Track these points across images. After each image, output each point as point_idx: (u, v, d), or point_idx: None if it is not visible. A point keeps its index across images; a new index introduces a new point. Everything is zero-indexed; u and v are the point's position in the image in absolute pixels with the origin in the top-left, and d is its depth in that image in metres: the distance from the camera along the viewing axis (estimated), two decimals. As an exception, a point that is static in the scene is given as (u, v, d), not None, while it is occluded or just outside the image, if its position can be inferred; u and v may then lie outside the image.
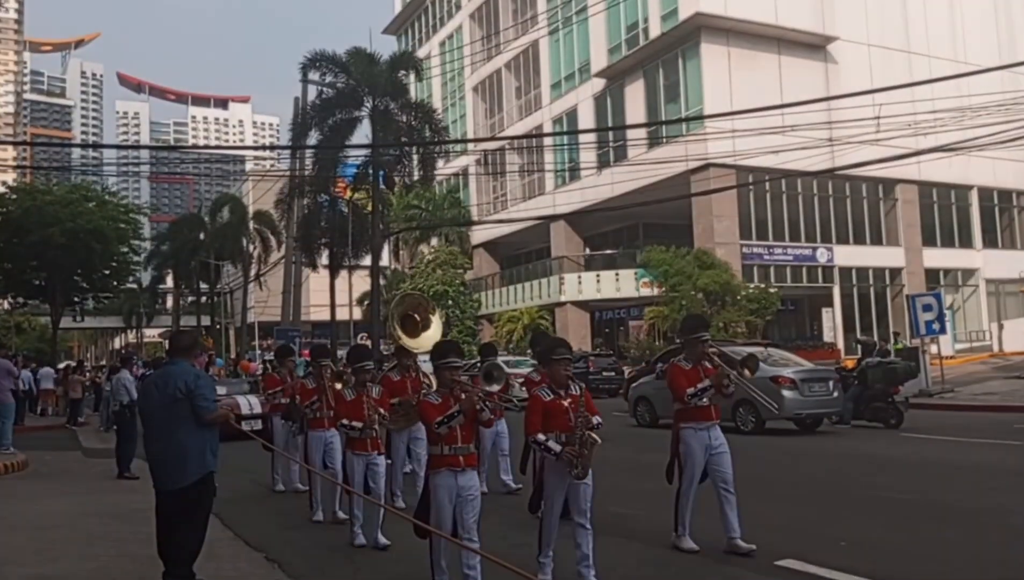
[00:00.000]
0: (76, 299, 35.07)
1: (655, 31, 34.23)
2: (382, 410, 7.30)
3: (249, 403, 16.94)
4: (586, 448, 5.41)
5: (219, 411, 5.76)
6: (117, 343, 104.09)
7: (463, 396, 5.20)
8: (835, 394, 15.01)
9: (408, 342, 8.77)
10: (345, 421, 7.02)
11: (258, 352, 47.49)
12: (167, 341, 10.58)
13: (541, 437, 5.40)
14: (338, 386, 7.75)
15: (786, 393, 14.07)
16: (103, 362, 69.51)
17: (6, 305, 40.32)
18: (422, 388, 8.21)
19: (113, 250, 30.28)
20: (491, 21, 46.55)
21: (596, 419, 5.54)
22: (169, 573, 5.58)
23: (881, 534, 7.03)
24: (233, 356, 35.87)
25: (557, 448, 5.35)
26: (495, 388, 5.57)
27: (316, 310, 57.18)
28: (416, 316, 8.67)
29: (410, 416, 8.10)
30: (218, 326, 57.65)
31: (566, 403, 5.49)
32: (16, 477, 12.63)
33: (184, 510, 5.56)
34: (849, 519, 7.50)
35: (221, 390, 16.99)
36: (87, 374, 26.60)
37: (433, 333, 8.69)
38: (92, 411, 24.26)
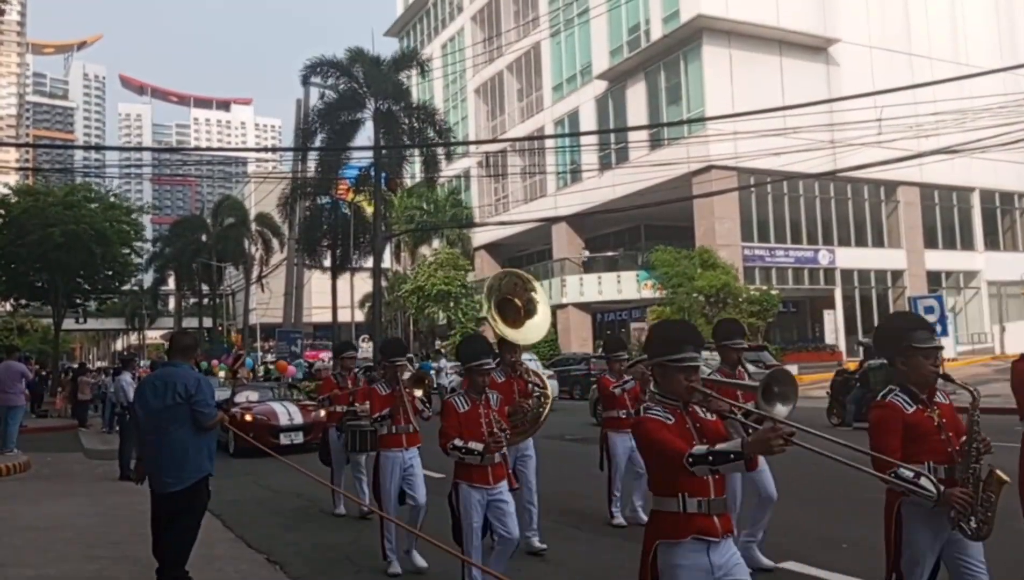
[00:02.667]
0: (78, 300, 35.11)
1: (656, 33, 34.24)
2: (505, 426, 5.47)
3: (288, 412, 15.02)
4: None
5: (217, 416, 5.75)
6: (119, 345, 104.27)
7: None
8: None
9: (511, 334, 6.93)
10: (459, 442, 5.04)
11: (259, 354, 47.53)
12: (167, 341, 9.86)
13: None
14: (418, 393, 6.65)
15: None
16: (99, 364, 69.56)
17: (8, 306, 40.32)
18: (533, 391, 6.87)
19: (115, 252, 30.30)
20: (493, 23, 46.58)
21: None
22: (163, 574, 5.60)
23: (882, 536, 7.01)
24: (231, 359, 35.56)
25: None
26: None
27: (318, 312, 57.38)
28: (516, 301, 6.97)
29: (524, 428, 6.75)
30: (220, 328, 57.70)
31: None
32: (18, 478, 12.64)
33: (177, 512, 5.58)
34: (851, 521, 7.50)
35: (253, 397, 16.53)
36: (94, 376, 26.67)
37: (540, 319, 7.01)
38: (94, 412, 24.32)
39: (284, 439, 14.45)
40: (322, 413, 14.71)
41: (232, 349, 43.24)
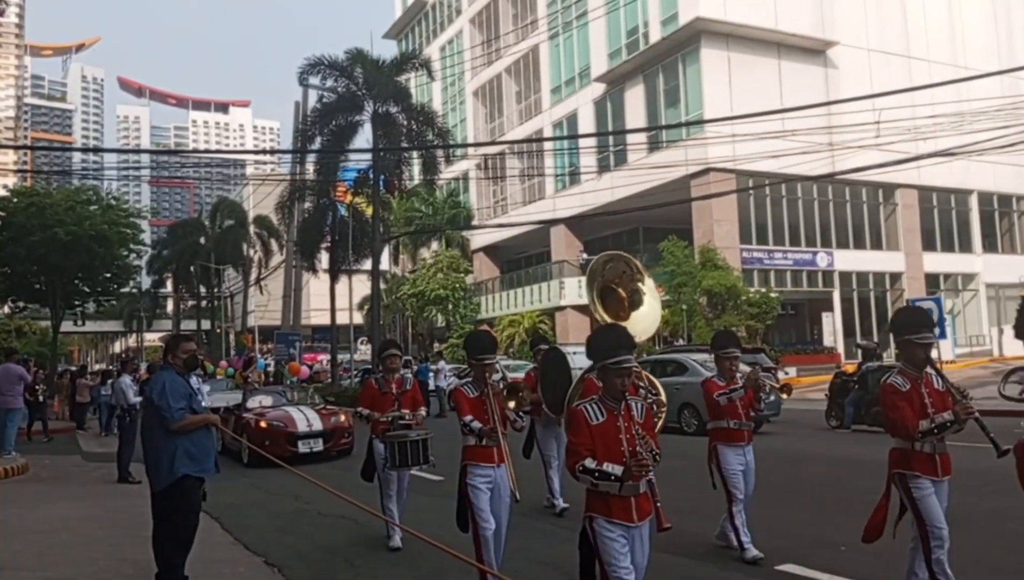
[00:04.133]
0: (76, 303, 35.06)
1: (655, 36, 34.28)
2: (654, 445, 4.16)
3: (306, 418, 13.99)
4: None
5: (190, 418, 5.71)
6: (117, 347, 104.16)
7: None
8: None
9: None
10: (591, 462, 3.87)
11: (258, 355, 47.40)
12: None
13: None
14: (511, 405, 5.71)
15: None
16: (97, 367, 69.49)
17: (6, 309, 40.28)
18: (645, 398, 5.83)
19: (114, 254, 30.26)
20: (491, 26, 46.63)
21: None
22: (160, 574, 5.66)
23: (882, 539, 7.02)
24: (242, 361, 35.10)
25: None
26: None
27: (316, 314, 57.34)
28: (620, 290, 6.11)
29: None
30: (218, 330, 57.69)
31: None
32: (16, 481, 12.63)
33: (167, 512, 5.71)
34: (850, 523, 7.47)
35: (267, 401, 15.42)
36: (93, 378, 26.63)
37: (647, 310, 6.11)
38: (92, 415, 24.29)
39: (303, 447, 13.45)
40: (342, 418, 14.37)
41: (244, 350, 43.13)
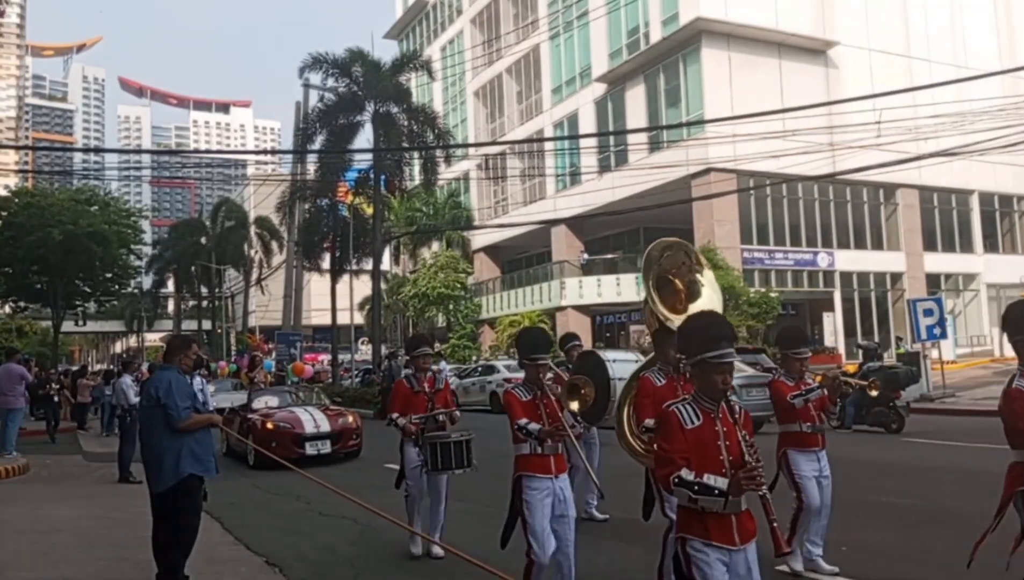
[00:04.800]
0: (77, 303, 35.11)
1: (656, 36, 34.27)
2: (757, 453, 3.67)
3: (313, 419, 13.68)
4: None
5: (195, 417, 5.74)
6: (118, 347, 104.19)
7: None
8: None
9: (675, 320, 5.41)
10: (687, 473, 3.26)
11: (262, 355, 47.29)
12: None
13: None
14: (574, 406, 5.01)
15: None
16: (98, 367, 69.55)
17: (7, 309, 40.32)
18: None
19: (114, 254, 30.30)
20: (492, 26, 46.62)
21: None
22: (160, 575, 5.65)
23: (882, 538, 7.03)
24: (247, 361, 34.62)
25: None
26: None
27: (317, 314, 57.44)
28: (677, 281, 5.61)
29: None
30: (219, 330, 57.73)
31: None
32: (18, 481, 12.64)
33: (167, 513, 5.68)
34: (850, 523, 7.49)
35: (273, 402, 15.06)
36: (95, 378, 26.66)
37: (705, 302, 5.58)
38: (92, 415, 24.31)
39: (310, 449, 13.19)
40: (350, 419, 14.16)
41: (247, 349, 43.04)
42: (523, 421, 4.91)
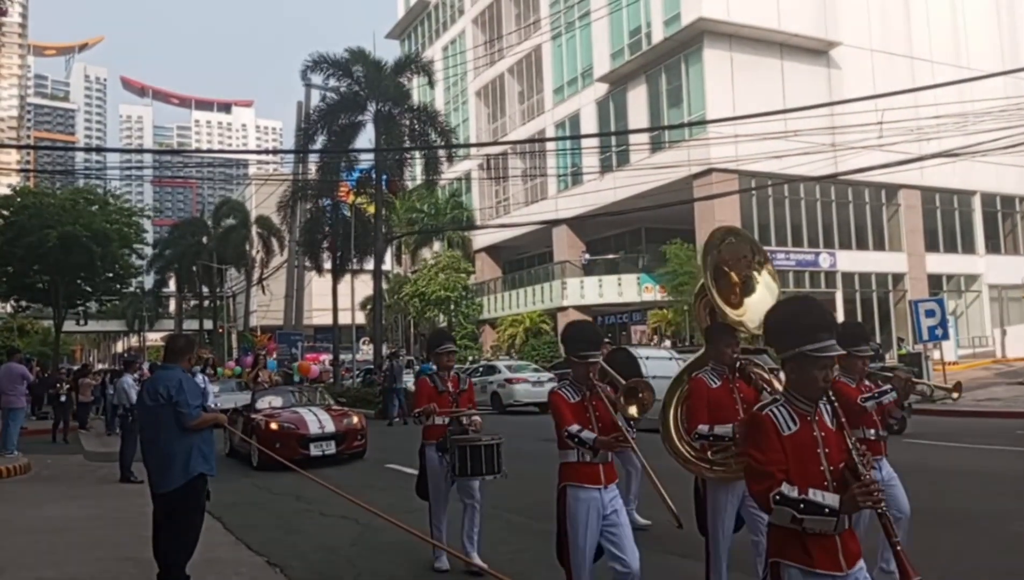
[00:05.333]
0: (79, 302, 35.13)
1: (658, 36, 34.26)
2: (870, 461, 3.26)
3: (318, 419, 13.52)
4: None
5: (204, 416, 5.75)
6: (120, 347, 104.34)
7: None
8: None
9: (731, 314, 4.97)
10: (789, 489, 2.75)
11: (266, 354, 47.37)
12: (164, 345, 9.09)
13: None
14: (632, 411, 4.51)
15: None
16: (100, 366, 69.63)
17: (9, 308, 40.37)
18: (760, 399, 4.58)
19: (115, 253, 30.31)
20: (494, 26, 46.64)
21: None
22: (161, 575, 5.63)
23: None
24: (251, 360, 34.38)
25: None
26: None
27: (319, 314, 57.44)
28: (733, 274, 5.09)
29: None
30: (220, 330, 57.76)
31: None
32: (19, 480, 12.65)
33: (171, 513, 5.64)
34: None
35: (277, 402, 14.96)
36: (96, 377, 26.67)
37: (760, 297, 5.08)
38: (95, 414, 24.32)
39: (315, 450, 13.08)
40: (355, 419, 14.03)
41: (252, 348, 43.01)
42: (574, 428, 4.39)
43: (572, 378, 4.60)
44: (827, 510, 2.70)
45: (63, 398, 20.58)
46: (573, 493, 4.43)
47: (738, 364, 4.73)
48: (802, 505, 2.70)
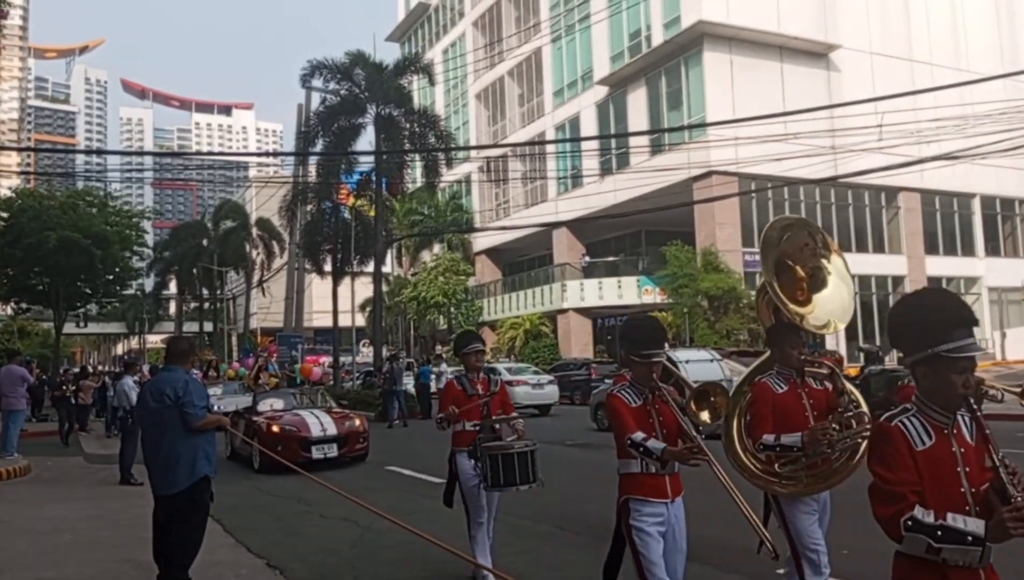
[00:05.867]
0: (79, 304, 35.14)
1: (658, 39, 34.30)
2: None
3: (320, 422, 13.41)
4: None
5: (209, 418, 5.74)
6: (120, 349, 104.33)
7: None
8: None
9: (795, 311, 4.53)
10: (923, 514, 2.35)
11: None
12: (165, 347, 9.02)
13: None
14: (704, 417, 4.00)
15: None
16: (100, 368, 69.63)
17: (9, 310, 40.40)
18: (847, 408, 4.38)
19: (115, 255, 30.32)
20: (494, 29, 46.69)
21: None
22: (163, 577, 5.63)
23: (884, 542, 7.00)
24: (252, 361, 34.18)
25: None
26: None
27: (319, 316, 57.42)
28: (797, 267, 4.64)
29: (829, 468, 4.40)
30: (220, 331, 57.79)
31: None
32: (19, 482, 12.65)
33: (175, 515, 5.62)
34: (852, 527, 7.47)
35: (278, 404, 14.86)
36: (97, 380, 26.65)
37: (833, 291, 4.74)
38: (95, 417, 24.30)
39: (316, 453, 13.00)
40: (357, 421, 13.86)
41: (254, 349, 42.96)
42: (639, 436, 3.87)
43: (632, 379, 4.10)
44: (970, 538, 2.32)
45: (73, 400, 20.56)
46: (636, 507, 3.94)
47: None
48: (939, 532, 2.31)
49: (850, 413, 4.30)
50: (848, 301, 4.94)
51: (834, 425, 4.20)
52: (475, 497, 5.98)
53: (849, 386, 4.53)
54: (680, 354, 4.65)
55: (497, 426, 5.93)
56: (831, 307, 4.77)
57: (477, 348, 6.30)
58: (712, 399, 4.00)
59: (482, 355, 6.37)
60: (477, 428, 5.91)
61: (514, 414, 6.19)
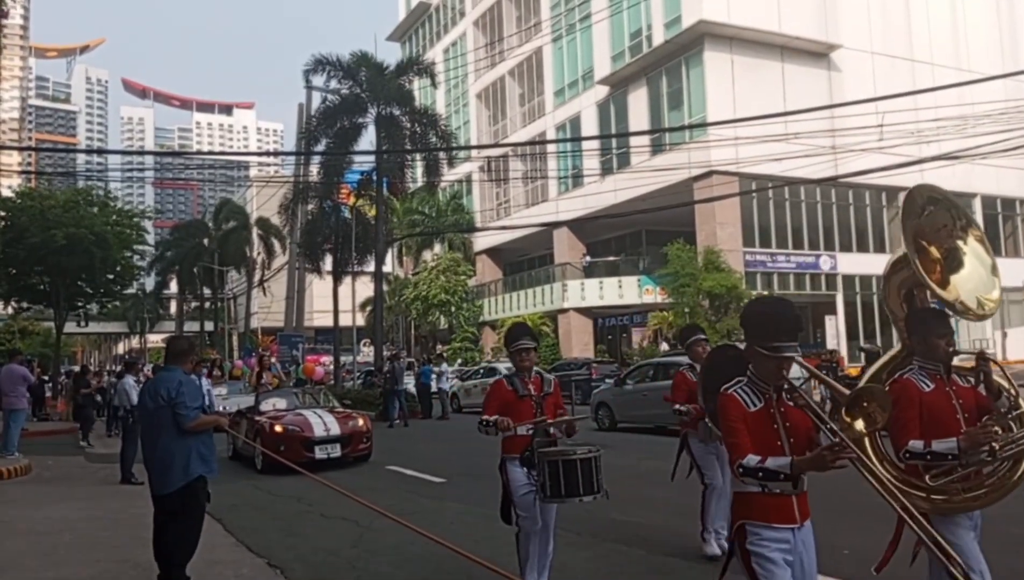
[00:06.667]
0: (80, 304, 35.13)
1: (658, 38, 34.30)
2: None
3: (323, 422, 13.28)
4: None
5: (203, 418, 5.74)
6: (121, 348, 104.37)
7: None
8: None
9: (940, 294, 4.10)
10: None
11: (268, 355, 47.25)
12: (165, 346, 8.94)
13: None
14: (859, 426, 3.40)
15: None
16: (97, 368, 69.69)
17: (10, 309, 40.40)
18: (1004, 408, 3.90)
19: (116, 255, 30.30)
20: (495, 28, 46.68)
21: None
22: (162, 577, 5.66)
23: (884, 542, 7.01)
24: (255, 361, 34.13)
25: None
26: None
27: (319, 316, 57.41)
28: (933, 248, 4.17)
29: (990, 482, 3.87)
30: (221, 331, 57.81)
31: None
32: (19, 482, 12.65)
33: (171, 515, 5.66)
34: (851, 527, 7.49)
35: (281, 404, 14.71)
36: (99, 379, 26.67)
37: (970, 272, 4.27)
38: (97, 416, 24.33)
39: (320, 453, 12.90)
40: (360, 421, 13.83)
41: (256, 348, 42.90)
42: (752, 461, 3.07)
43: (753, 375, 3.31)
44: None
45: (98, 398, 20.59)
46: (758, 533, 3.18)
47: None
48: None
49: (1012, 414, 3.82)
50: (988, 280, 4.40)
51: (996, 428, 3.63)
52: (528, 508, 5.34)
53: (1006, 383, 4.00)
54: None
55: (552, 430, 5.46)
56: (971, 287, 4.27)
57: (525, 345, 5.56)
58: (864, 405, 3.35)
59: (532, 353, 5.59)
60: (531, 432, 5.27)
61: (570, 417, 5.69)
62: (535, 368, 5.63)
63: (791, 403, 3.25)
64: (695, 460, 6.75)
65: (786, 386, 3.25)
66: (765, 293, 31.50)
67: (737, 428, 3.15)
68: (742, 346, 5.29)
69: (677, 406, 6.28)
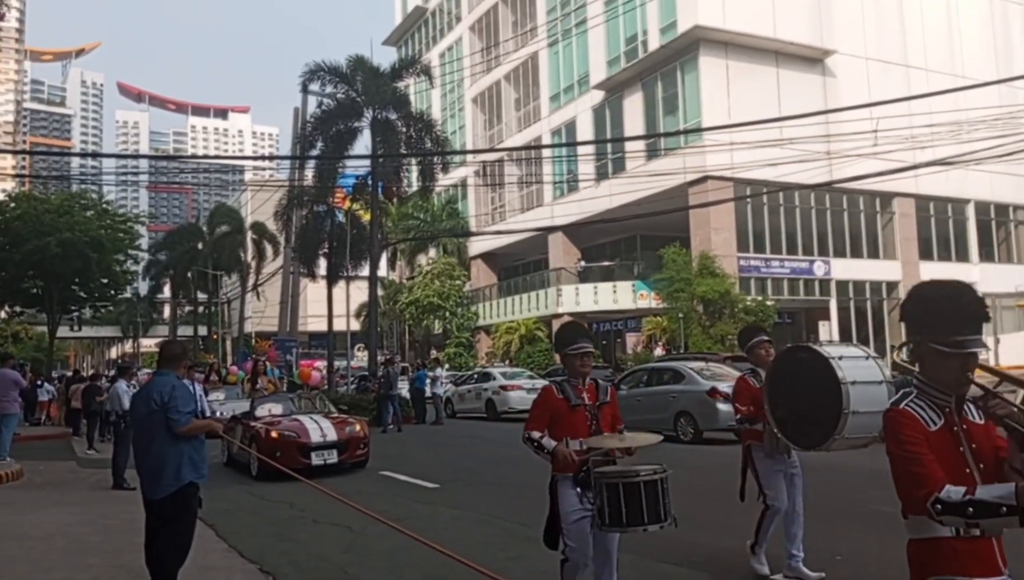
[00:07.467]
0: (73, 308, 35.08)
1: (654, 44, 34.36)
2: None
3: (320, 427, 13.06)
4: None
5: (195, 423, 5.72)
6: (114, 353, 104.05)
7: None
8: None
9: None
10: None
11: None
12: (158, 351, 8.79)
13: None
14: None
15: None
16: (91, 372, 69.51)
17: (3, 314, 40.28)
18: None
19: (110, 259, 30.27)
20: (491, 33, 46.74)
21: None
22: None
23: (878, 548, 7.01)
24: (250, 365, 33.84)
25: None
26: None
27: (313, 320, 57.34)
28: None
29: None
30: (215, 336, 57.69)
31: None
32: (11, 487, 12.59)
33: (163, 520, 5.64)
34: (845, 533, 7.48)
35: (276, 409, 14.52)
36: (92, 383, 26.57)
37: None
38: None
39: (316, 459, 12.66)
40: (357, 427, 13.55)
41: (251, 353, 42.69)
42: (954, 495, 2.27)
43: (924, 383, 2.55)
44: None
45: (107, 407, 20.47)
46: None
47: None
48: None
49: None
50: None
51: None
52: (580, 533, 4.51)
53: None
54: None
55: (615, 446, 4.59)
56: None
57: (584, 348, 4.68)
58: None
59: (590, 358, 4.72)
60: (584, 447, 4.49)
61: (629, 432, 4.80)
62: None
63: (970, 417, 2.52)
64: (758, 478, 6.00)
65: (980, 393, 2.50)
66: (759, 298, 31.50)
67: (921, 454, 2.38)
68: (816, 347, 4.70)
69: (739, 416, 5.75)
